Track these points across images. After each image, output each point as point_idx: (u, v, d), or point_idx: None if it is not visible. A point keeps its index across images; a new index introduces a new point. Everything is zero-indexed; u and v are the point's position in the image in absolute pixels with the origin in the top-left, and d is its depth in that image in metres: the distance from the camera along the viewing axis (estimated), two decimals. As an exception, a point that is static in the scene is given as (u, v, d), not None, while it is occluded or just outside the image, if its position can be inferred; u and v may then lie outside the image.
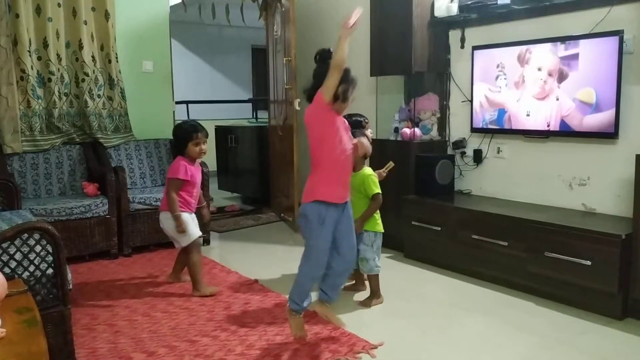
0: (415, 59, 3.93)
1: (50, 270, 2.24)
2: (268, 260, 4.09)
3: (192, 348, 2.58)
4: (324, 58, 2.47)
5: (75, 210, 3.90)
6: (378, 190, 3.08)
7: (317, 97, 2.42)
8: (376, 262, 3.11)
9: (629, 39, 3.05)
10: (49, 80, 4.33)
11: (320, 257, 2.56)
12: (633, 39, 3.04)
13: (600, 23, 3.18)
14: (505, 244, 3.29)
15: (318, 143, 2.50)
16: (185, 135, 3.36)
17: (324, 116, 2.44)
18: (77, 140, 4.52)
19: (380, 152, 4.09)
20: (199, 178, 3.43)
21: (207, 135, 3.43)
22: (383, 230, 3.16)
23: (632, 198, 2.82)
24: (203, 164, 4.35)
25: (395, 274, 3.67)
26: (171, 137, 3.89)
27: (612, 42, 3.07)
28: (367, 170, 3.13)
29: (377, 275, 3.15)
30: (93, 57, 4.52)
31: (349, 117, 3.11)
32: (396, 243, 4.07)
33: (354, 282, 3.36)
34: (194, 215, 3.42)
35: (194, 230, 3.34)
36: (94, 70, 4.52)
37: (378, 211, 3.15)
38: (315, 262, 2.56)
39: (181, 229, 3.26)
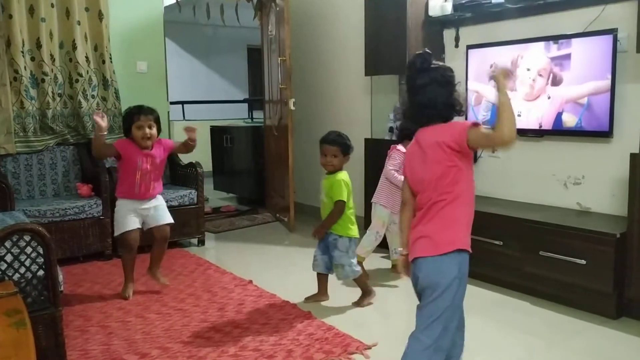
0: (409, 59, 3.91)
1: (41, 272, 2.22)
2: (263, 260, 4.08)
3: (185, 349, 2.56)
4: (427, 62, 1.89)
5: (69, 211, 3.88)
6: (344, 197, 3.00)
7: (463, 129, 1.77)
8: (352, 267, 3.05)
9: (623, 38, 3.04)
10: (43, 80, 4.31)
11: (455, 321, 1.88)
12: (627, 38, 3.03)
13: (594, 22, 3.17)
14: (500, 243, 3.28)
15: (461, 164, 1.81)
16: (127, 119, 3.22)
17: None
18: (71, 141, 4.50)
19: (375, 152, 4.08)
20: (147, 164, 3.20)
21: (153, 119, 3.21)
22: (358, 236, 3.12)
23: (627, 197, 2.82)
24: (197, 165, 4.35)
25: (391, 274, 3.67)
26: (167, 137, 3.88)
27: (606, 41, 3.06)
28: (342, 174, 3.05)
29: (361, 274, 3.13)
30: (87, 57, 4.50)
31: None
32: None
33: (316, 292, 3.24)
34: (141, 202, 3.24)
35: (121, 223, 3.23)
36: (87, 71, 4.51)
37: (353, 217, 3.09)
38: (452, 328, 1.85)
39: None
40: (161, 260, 3.44)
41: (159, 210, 3.34)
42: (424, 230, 1.85)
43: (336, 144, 3.02)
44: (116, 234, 3.31)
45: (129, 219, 3.23)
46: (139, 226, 3.29)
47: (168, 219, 3.37)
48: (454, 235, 1.82)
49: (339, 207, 3.00)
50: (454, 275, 1.80)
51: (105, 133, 3.15)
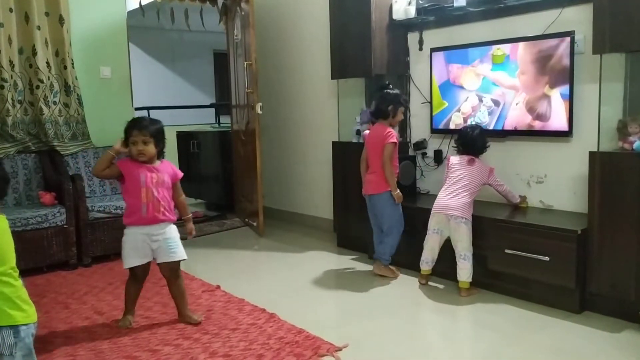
0: (375, 62, 3.95)
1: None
2: (232, 266, 4.06)
3: (153, 358, 2.52)
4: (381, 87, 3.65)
5: (32, 221, 3.79)
6: None
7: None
8: None
9: (580, 39, 3.13)
10: (2, 87, 4.20)
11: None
12: (584, 40, 3.12)
13: (553, 24, 3.26)
14: (467, 242, 3.33)
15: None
16: (125, 134, 2.83)
17: None
18: (33, 148, 4.39)
19: (343, 155, 4.10)
20: (152, 179, 2.80)
21: (150, 134, 2.78)
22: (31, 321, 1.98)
23: (587, 194, 2.90)
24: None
25: (361, 276, 3.69)
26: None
27: (564, 43, 3.15)
28: None
29: None
30: (48, 63, 4.41)
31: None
32: (361, 245, 4.09)
33: None
34: (150, 228, 2.80)
35: (125, 258, 2.84)
36: (49, 77, 4.41)
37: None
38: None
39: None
40: (184, 299, 2.98)
41: (169, 243, 2.85)
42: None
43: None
44: (124, 266, 2.88)
45: (134, 253, 2.82)
46: (148, 260, 2.88)
47: (179, 254, 2.90)
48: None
49: None
50: None
51: (115, 155, 2.82)
